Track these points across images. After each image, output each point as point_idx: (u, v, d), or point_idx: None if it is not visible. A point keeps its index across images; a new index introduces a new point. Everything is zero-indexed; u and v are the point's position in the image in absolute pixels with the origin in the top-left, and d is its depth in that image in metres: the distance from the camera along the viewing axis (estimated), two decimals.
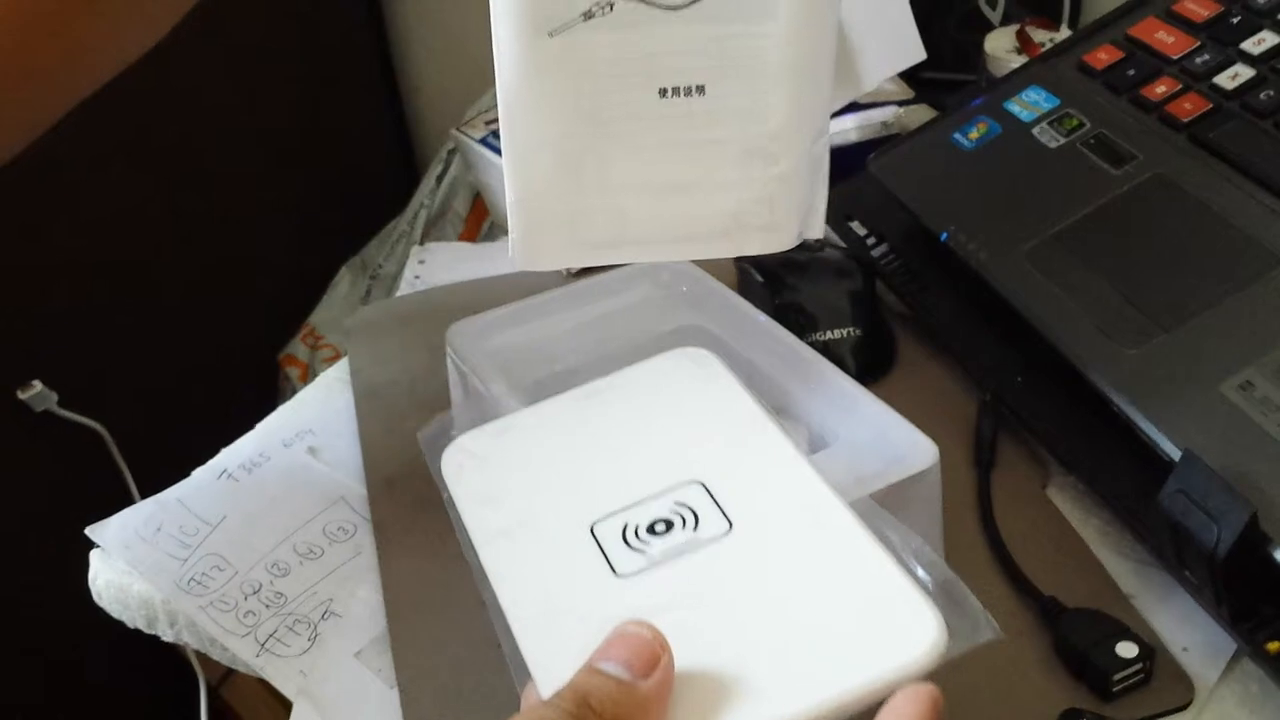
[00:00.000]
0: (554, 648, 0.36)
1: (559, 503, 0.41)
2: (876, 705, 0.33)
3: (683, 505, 0.40)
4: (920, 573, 0.37)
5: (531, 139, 0.46)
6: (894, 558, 0.37)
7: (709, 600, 0.37)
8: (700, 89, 0.45)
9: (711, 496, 0.40)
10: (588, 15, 0.44)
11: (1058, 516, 0.59)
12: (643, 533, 0.39)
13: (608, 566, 0.39)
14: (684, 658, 0.34)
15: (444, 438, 0.47)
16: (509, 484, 0.43)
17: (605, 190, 0.47)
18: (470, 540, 0.41)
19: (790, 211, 0.48)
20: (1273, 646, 0.49)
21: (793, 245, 0.49)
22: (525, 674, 0.37)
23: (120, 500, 0.65)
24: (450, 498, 0.43)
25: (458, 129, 0.82)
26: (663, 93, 0.45)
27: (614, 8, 0.44)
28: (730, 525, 0.39)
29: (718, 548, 0.39)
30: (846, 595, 0.36)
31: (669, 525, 0.39)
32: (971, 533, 0.58)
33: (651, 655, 0.34)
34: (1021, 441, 0.62)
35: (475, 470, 0.44)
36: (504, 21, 0.44)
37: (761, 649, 0.35)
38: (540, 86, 0.45)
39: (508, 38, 0.44)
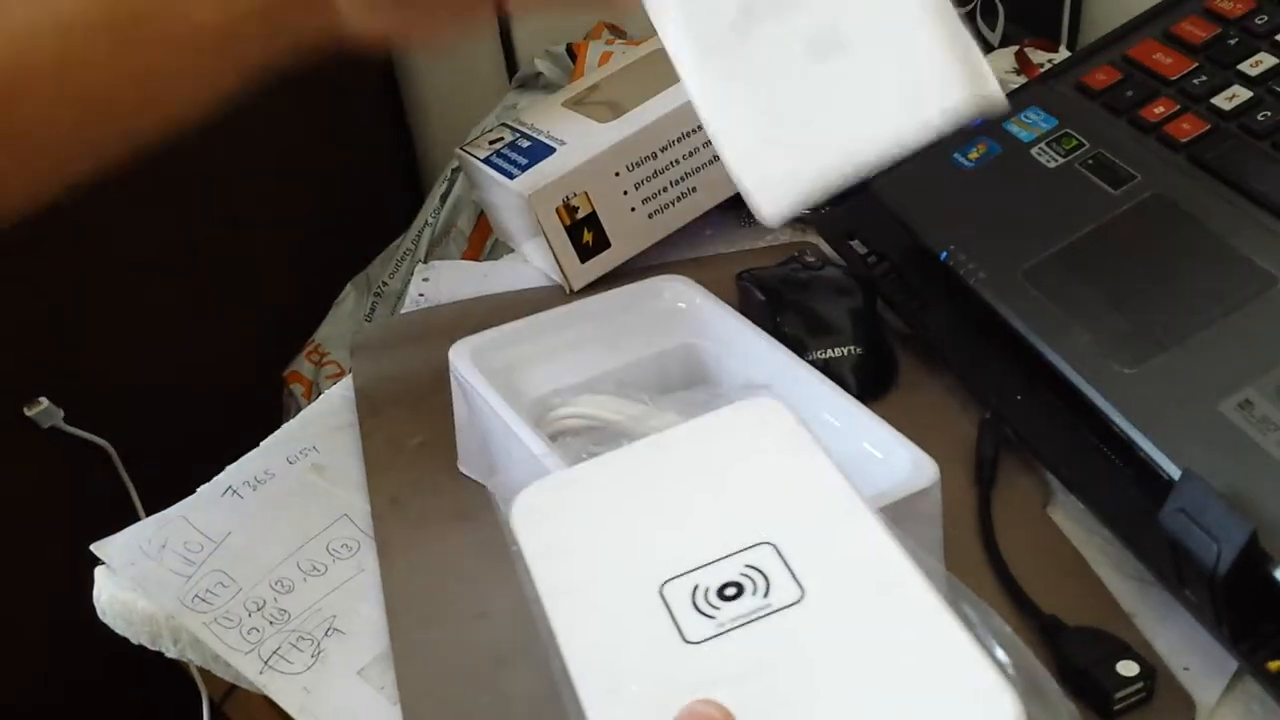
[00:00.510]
0: (622, 716, 0.36)
1: (627, 560, 0.41)
2: None
3: (753, 569, 0.39)
4: (999, 653, 0.36)
5: (729, 121, 0.48)
6: (971, 636, 0.36)
7: (779, 672, 0.36)
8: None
9: (783, 559, 0.39)
10: (734, 26, 0.47)
11: (1058, 535, 0.59)
12: (712, 596, 0.38)
13: (677, 631, 0.38)
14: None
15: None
16: (577, 538, 0.42)
17: (807, 133, 0.47)
18: (538, 595, 0.41)
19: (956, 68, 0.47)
20: (1274, 665, 0.49)
21: (987, 95, 0.48)
22: None
23: (126, 516, 0.66)
24: (518, 549, 0.42)
25: (462, 148, 0.82)
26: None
27: (752, 10, 0.46)
28: (803, 592, 0.38)
29: (790, 616, 0.38)
30: (921, 673, 0.35)
31: (739, 589, 0.39)
32: (972, 551, 0.58)
33: None
34: (1022, 460, 0.63)
35: (543, 521, 0.43)
36: (679, 52, 0.47)
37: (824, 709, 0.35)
38: (723, 90, 0.47)
39: (686, 62, 0.47)
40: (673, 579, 0.39)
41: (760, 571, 0.39)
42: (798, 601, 0.38)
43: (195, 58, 0.51)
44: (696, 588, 0.39)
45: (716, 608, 0.38)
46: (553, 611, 0.39)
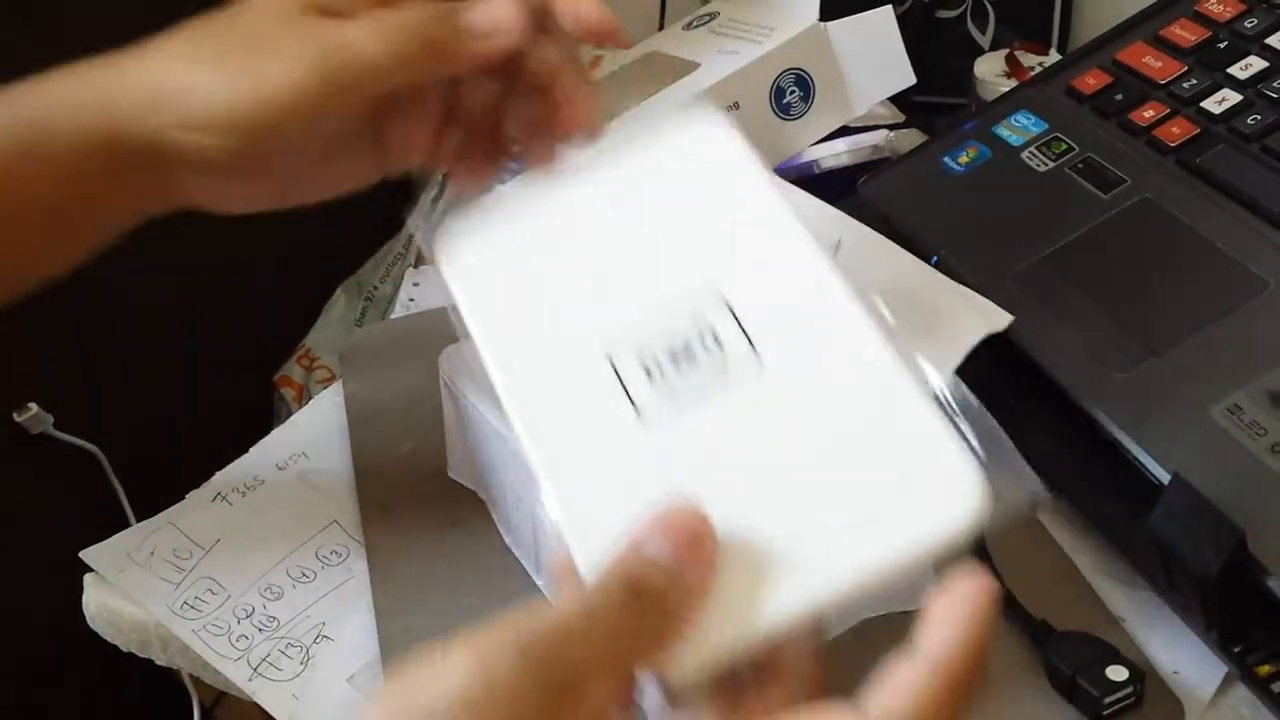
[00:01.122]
0: (588, 513, 0.34)
1: (568, 308, 0.37)
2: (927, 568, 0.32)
3: (705, 326, 0.36)
4: (963, 424, 0.34)
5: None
6: (935, 406, 0.34)
7: (741, 456, 0.34)
8: None
9: (735, 316, 0.36)
10: None
11: (1048, 539, 0.59)
12: (664, 363, 0.36)
13: (631, 407, 0.35)
14: (718, 524, 0.33)
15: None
16: (511, 282, 0.38)
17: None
18: (479, 353, 0.38)
19: None
20: (1262, 670, 0.49)
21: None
22: (548, 527, 0.35)
23: (116, 522, 0.66)
24: (453, 297, 0.39)
25: None
26: None
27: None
28: (760, 363, 0.35)
29: (748, 390, 0.35)
30: (884, 449, 0.34)
31: (691, 353, 0.36)
32: (962, 556, 0.58)
33: (697, 539, 0.32)
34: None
35: (476, 268, 0.39)
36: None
37: (796, 514, 0.33)
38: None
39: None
40: (620, 338, 0.36)
41: (713, 331, 0.36)
42: (756, 374, 0.35)
43: (29, 233, 0.51)
44: (645, 351, 0.36)
45: (669, 378, 0.36)
46: (499, 379, 0.37)
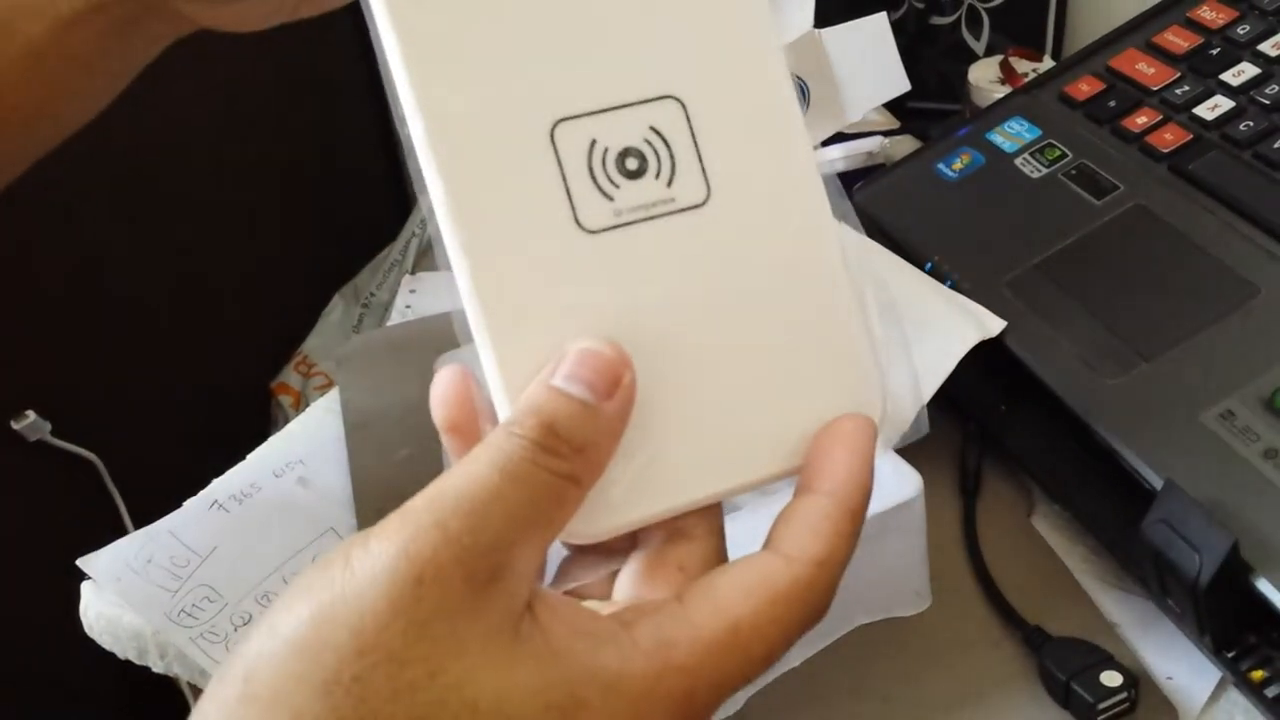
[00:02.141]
0: (516, 335, 0.31)
1: (515, 76, 0.33)
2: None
3: (657, 134, 0.33)
4: (878, 330, 0.34)
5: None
6: (856, 306, 0.34)
7: (670, 290, 0.32)
8: None
9: (690, 129, 0.33)
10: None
11: (1042, 545, 0.59)
12: (611, 165, 0.33)
13: (570, 208, 0.32)
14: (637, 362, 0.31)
15: None
16: (455, 29, 0.33)
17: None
18: (402, 92, 0.33)
19: None
20: (1256, 675, 0.49)
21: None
22: (469, 335, 0.33)
23: (114, 529, 0.66)
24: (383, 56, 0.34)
25: None
26: None
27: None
28: (707, 193, 0.33)
29: (689, 221, 0.33)
30: (803, 329, 0.33)
31: (641, 163, 0.33)
32: (956, 561, 0.58)
33: (614, 376, 0.30)
34: (1006, 470, 0.63)
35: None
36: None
37: (710, 376, 0.32)
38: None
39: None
40: (568, 119, 0.33)
41: (665, 141, 0.33)
42: (701, 204, 0.33)
43: (33, 66, 0.49)
44: (594, 145, 0.33)
45: (615, 185, 0.33)
46: (431, 135, 0.32)
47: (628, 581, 0.32)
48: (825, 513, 0.31)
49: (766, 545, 0.31)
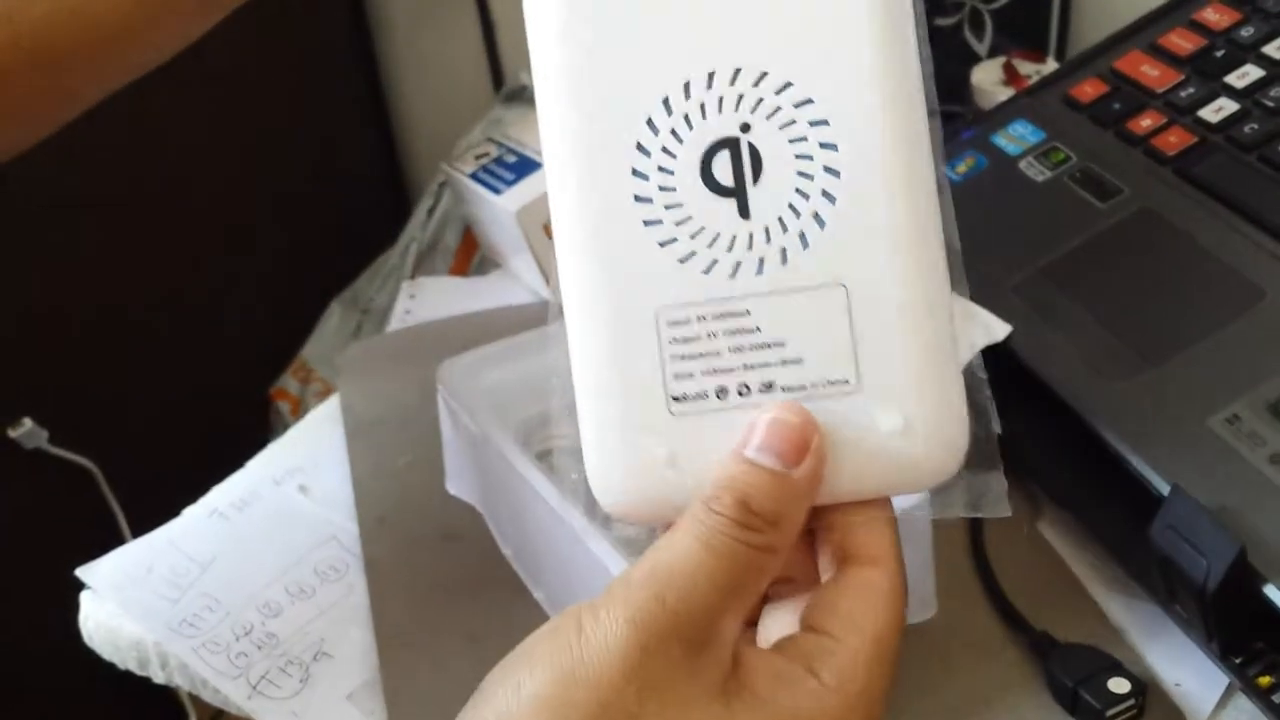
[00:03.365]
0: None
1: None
2: None
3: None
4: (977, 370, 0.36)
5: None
6: (954, 347, 0.34)
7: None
8: None
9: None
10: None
11: (1049, 551, 0.59)
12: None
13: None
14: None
15: None
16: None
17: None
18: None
19: None
20: (1264, 681, 0.49)
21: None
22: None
23: (112, 537, 0.65)
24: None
25: (448, 164, 0.82)
26: None
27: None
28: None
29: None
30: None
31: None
32: (963, 568, 0.58)
33: (803, 443, 0.32)
34: (1013, 475, 0.62)
35: None
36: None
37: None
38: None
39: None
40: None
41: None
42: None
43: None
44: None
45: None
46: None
47: (771, 622, 0.35)
48: (891, 521, 0.34)
49: (850, 558, 0.34)
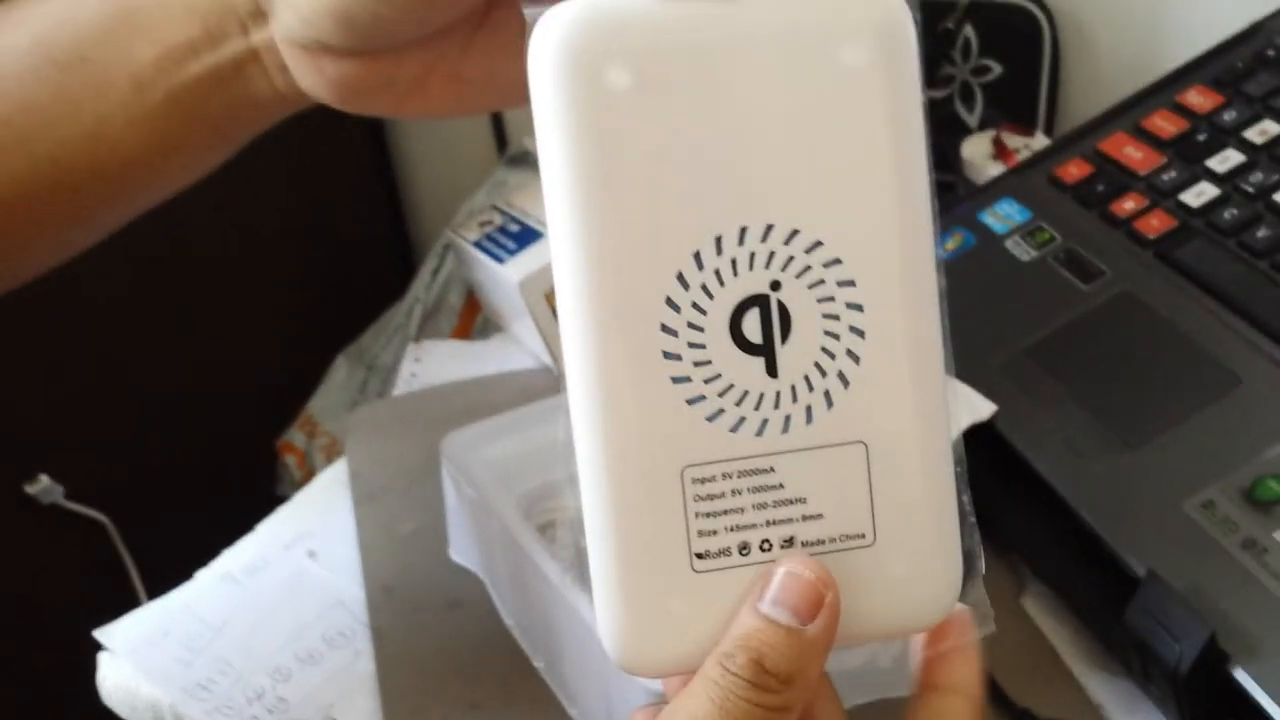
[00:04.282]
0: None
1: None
2: None
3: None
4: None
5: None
6: (954, 491, 0.35)
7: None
8: None
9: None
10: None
11: (1031, 627, 0.61)
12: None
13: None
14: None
15: None
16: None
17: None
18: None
19: None
20: None
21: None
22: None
23: (123, 590, 0.67)
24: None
25: (452, 230, 0.84)
26: None
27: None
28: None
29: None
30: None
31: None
32: None
33: (817, 598, 0.32)
34: (998, 550, 0.65)
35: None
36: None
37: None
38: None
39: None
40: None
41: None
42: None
43: (136, 95, 0.48)
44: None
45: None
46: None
47: None
48: (965, 713, 0.36)
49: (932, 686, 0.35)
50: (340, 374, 1.15)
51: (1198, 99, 0.74)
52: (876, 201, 0.33)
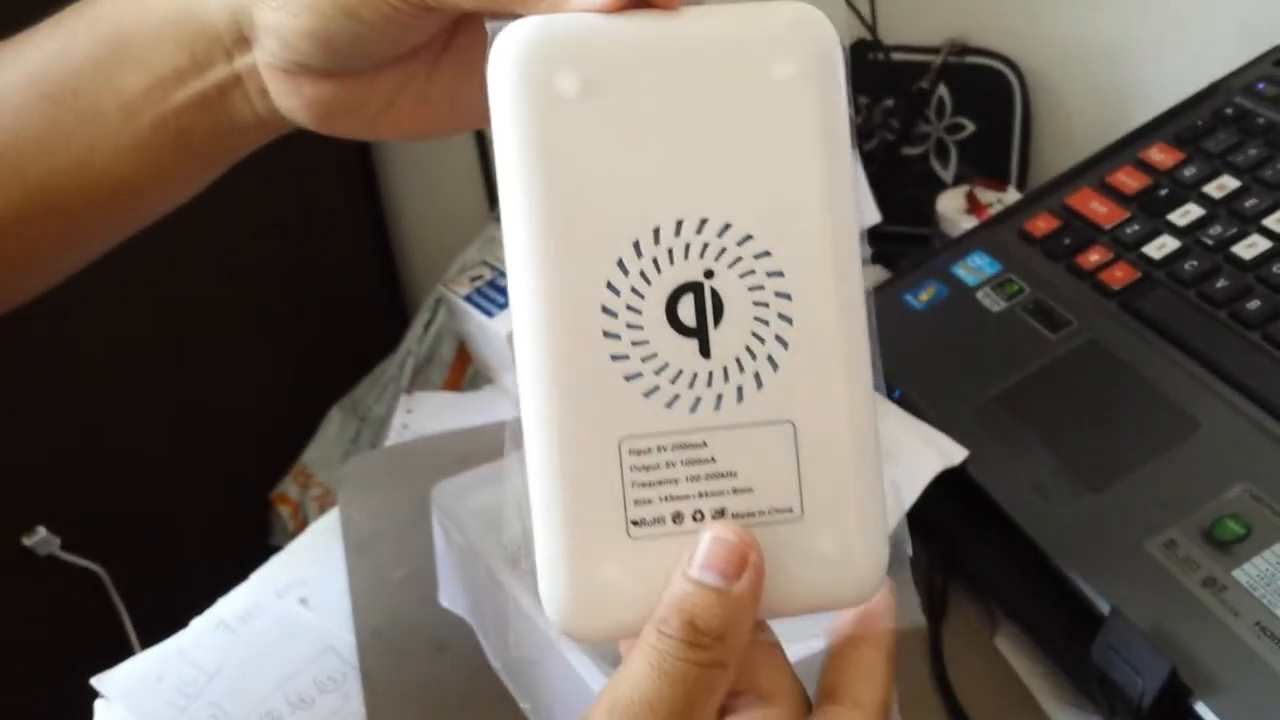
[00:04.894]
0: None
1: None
2: None
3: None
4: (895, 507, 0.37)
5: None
6: (881, 474, 0.36)
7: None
8: None
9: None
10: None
11: (1004, 665, 0.62)
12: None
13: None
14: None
15: None
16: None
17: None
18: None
19: None
20: None
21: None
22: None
23: (119, 639, 0.68)
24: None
25: (444, 285, 0.87)
26: None
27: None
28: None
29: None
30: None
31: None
32: (923, 681, 0.62)
33: (741, 557, 0.34)
34: (971, 590, 0.66)
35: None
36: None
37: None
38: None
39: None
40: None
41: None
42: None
43: (125, 124, 0.50)
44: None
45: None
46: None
47: None
48: (879, 663, 0.37)
49: (832, 695, 0.37)
50: (334, 425, 1.17)
51: (1160, 156, 0.76)
52: (804, 200, 0.36)
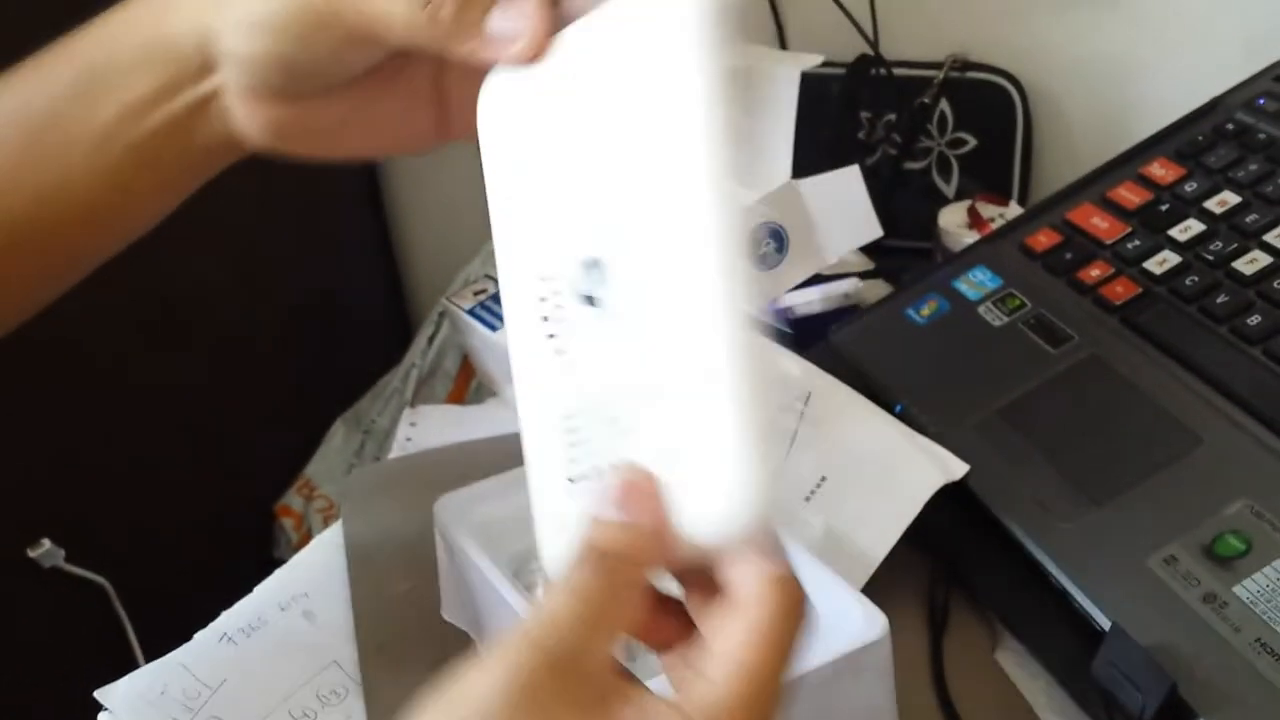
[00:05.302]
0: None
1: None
2: None
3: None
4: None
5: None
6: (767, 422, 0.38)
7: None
8: None
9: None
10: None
11: (1005, 680, 0.62)
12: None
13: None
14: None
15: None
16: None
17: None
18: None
19: None
20: None
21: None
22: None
23: (123, 651, 0.68)
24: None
25: (448, 299, 0.87)
26: None
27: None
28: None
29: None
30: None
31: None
32: (924, 696, 0.62)
33: (636, 491, 0.38)
34: (972, 605, 0.67)
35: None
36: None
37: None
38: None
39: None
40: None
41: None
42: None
43: (98, 150, 0.52)
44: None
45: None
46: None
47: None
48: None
49: (725, 593, 0.38)
50: (338, 438, 1.17)
51: (1160, 171, 0.77)
52: (688, 184, 0.38)
